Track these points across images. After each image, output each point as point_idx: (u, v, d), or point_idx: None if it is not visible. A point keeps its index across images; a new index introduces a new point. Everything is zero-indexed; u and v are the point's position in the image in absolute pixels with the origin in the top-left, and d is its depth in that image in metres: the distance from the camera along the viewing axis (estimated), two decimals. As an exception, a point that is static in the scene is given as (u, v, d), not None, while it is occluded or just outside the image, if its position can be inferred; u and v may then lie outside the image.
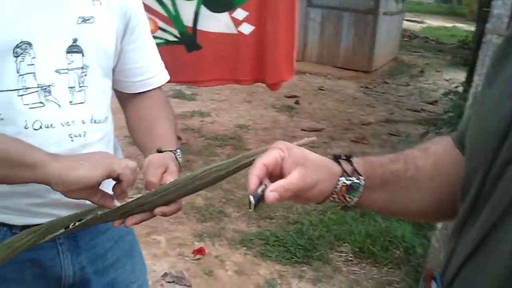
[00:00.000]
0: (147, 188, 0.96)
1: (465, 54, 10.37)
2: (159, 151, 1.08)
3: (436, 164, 0.77)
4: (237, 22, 2.58)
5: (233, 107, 5.75)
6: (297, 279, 2.71)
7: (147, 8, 2.55)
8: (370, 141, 5.03)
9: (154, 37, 2.51)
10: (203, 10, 2.54)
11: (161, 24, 2.52)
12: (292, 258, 2.86)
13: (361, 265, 2.87)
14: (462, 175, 0.69)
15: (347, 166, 0.74)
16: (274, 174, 0.71)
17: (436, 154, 0.78)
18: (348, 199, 0.75)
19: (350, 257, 2.91)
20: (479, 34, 6.76)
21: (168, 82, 2.60)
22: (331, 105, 6.29)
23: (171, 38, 2.55)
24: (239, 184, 3.74)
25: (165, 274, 2.62)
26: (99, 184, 0.90)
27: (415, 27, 15.88)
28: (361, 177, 0.74)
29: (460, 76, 8.73)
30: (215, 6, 2.55)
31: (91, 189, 0.90)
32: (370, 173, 0.75)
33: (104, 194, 0.93)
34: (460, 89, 5.69)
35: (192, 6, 2.52)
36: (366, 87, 7.51)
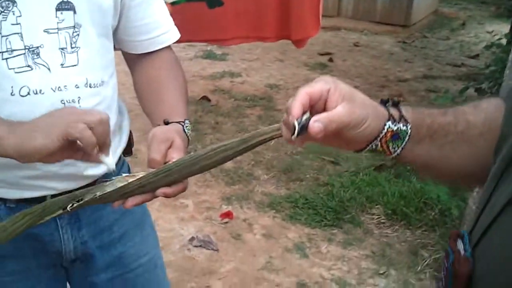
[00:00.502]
0: (150, 165, 0.89)
1: (510, 5, 9.79)
2: (166, 123, 1.00)
3: (487, 121, 0.72)
4: (259, -24, 2.44)
5: (265, 66, 5.61)
6: (327, 242, 2.65)
7: (164, -36, 2.45)
8: (406, 98, 4.82)
9: (174, -6, 2.41)
10: (224, -37, 2.40)
11: (180, -19, 2.40)
12: (322, 221, 2.79)
13: (394, 227, 2.77)
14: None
15: (394, 112, 0.69)
16: (317, 108, 0.67)
17: (487, 111, 0.73)
18: (392, 149, 0.70)
19: (383, 219, 2.81)
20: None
21: (190, 40, 2.49)
22: (366, 62, 6.06)
23: (191, -5, 2.43)
24: (269, 146, 3.65)
25: (192, 238, 2.60)
26: (65, 146, 0.80)
27: (458, -23, 15.07)
28: (408, 124, 0.69)
29: (504, 28, 8.25)
30: (236, -41, 2.41)
31: (65, 150, 0.80)
32: (418, 122, 0.70)
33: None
34: (504, 41, 5.37)
35: (212, -41, 2.39)
36: (404, 42, 7.20)
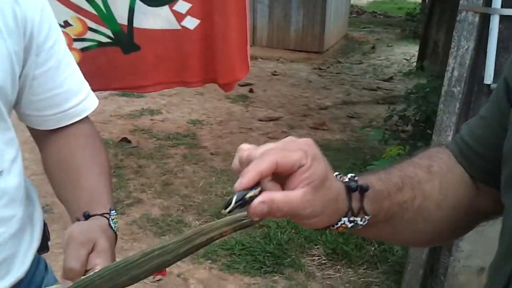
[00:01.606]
0: (66, 276, 0.70)
1: (414, 26, 10.36)
2: (86, 217, 0.81)
3: (442, 187, 0.70)
4: (179, 16, 2.28)
5: (184, 101, 5.44)
6: (269, 291, 2.50)
7: (72, 7, 2.22)
8: (329, 126, 4.85)
9: (84, 40, 2.20)
10: (139, 4, 2.22)
11: (91, 24, 2.19)
12: (262, 267, 2.64)
13: (335, 267, 2.68)
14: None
15: (355, 204, 0.63)
16: (278, 176, 0.56)
17: (440, 174, 0.71)
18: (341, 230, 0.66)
19: (323, 259, 2.71)
20: (430, 6, 6.68)
21: (105, 89, 2.25)
22: (286, 91, 6.07)
23: (103, 39, 2.22)
24: (197, 187, 3.48)
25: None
26: None
27: (362, 1, 15.84)
28: (366, 217, 0.64)
29: (411, 49, 8.69)
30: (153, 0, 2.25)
31: None
32: (377, 209, 0.65)
33: None
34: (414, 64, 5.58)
35: (125, 0, 2.21)
36: (320, 68, 7.34)
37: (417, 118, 3.39)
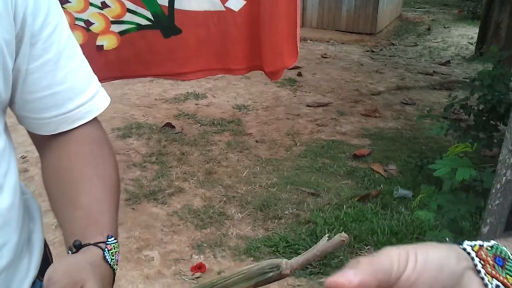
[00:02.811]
0: None
1: (473, 6, 9.78)
2: (76, 247, 0.66)
3: None
4: (223, -3, 2.10)
5: (230, 85, 5.29)
6: (315, 294, 2.33)
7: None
8: (382, 113, 4.58)
9: (122, 22, 2.05)
10: (180, -16, 2.06)
11: (130, 5, 2.04)
12: (307, 268, 2.46)
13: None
14: None
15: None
16: None
17: None
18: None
19: (374, 261, 2.51)
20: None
21: (143, 75, 2.09)
22: (336, 74, 5.81)
23: (143, 22, 2.07)
24: (241, 177, 3.33)
25: (160, 302, 2.24)
26: None
27: (417, -20, 15.15)
28: (492, 240, 0.44)
29: (470, 31, 8.20)
30: (195, -22, 2.07)
31: None
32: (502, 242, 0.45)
33: None
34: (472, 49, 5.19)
35: (166, -20, 2.04)
36: (372, 51, 7.01)
37: (480, 108, 3.10)
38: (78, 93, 0.78)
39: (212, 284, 0.51)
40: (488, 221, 2.19)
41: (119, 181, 0.82)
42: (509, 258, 0.41)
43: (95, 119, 0.81)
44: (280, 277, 0.49)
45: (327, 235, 0.48)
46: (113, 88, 4.66)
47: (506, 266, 0.41)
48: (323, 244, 0.48)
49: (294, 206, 2.99)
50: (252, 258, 2.56)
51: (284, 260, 0.49)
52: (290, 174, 3.38)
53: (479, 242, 0.42)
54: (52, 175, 0.78)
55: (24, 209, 0.78)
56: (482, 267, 0.41)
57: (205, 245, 2.65)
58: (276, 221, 2.86)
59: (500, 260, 0.41)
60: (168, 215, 2.91)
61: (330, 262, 2.48)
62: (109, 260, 0.66)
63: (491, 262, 0.41)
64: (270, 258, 2.31)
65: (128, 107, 4.55)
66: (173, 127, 4.11)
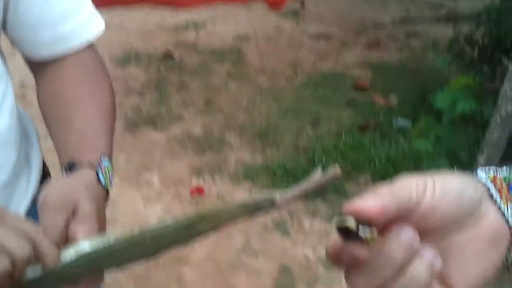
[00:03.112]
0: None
1: None
2: (69, 167, 0.66)
3: None
4: None
5: (231, 15, 5.17)
6: (310, 217, 2.38)
7: None
8: (386, 45, 4.50)
9: None
10: None
11: None
12: (304, 192, 2.50)
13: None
14: None
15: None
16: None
17: None
18: None
19: (370, 187, 2.54)
20: None
21: (142, 2, 2.02)
22: (340, 6, 5.66)
23: None
24: (241, 106, 3.32)
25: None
26: None
27: None
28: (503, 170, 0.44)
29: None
30: None
31: None
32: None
33: None
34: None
35: None
36: (378, -17, 6.79)
37: (485, 42, 3.03)
38: (71, 15, 0.77)
39: (207, 214, 0.51)
40: (485, 152, 2.20)
41: (114, 106, 0.81)
42: None
43: (90, 45, 0.80)
44: (274, 209, 0.50)
45: (320, 167, 0.48)
46: (110, 16, 4.54)
47: None
48: (317, 177, 0.47)
49: (293, 134, 3.00)
50: (250, 183, 2.59)
51: (278, 193, 0.49)
52: (290, 103, 3.37)
53: (492, 172, 0.42)
54: (48, 100, 0.78)
55: (21, 131, 0.79)
56: (498, 191, 0.41)
57: (205, 169, 2.68)
58: (275, 148, 2.88)
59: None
60: (168, 141, 2.93)
61: (326, 187, 2.52)
62: (102, 181, 0.67)
63: (505, 190, 0.41)
64: (268, 185, 2.34)
65: (126, 35, 4.46)
66: (172, 56, 4.05)
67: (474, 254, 0.40)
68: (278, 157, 2.78)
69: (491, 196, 0.41)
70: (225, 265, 2.09)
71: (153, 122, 3.10)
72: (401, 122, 3.05)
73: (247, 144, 2.92)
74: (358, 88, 3.57)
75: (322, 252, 2.18)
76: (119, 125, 3.05)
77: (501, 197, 0.40)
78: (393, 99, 3.41)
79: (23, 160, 0.79)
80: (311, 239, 2.26)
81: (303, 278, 2.02)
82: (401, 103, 3.36)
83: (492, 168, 0.43)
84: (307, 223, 2.35)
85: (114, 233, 0.55)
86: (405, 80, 3.69)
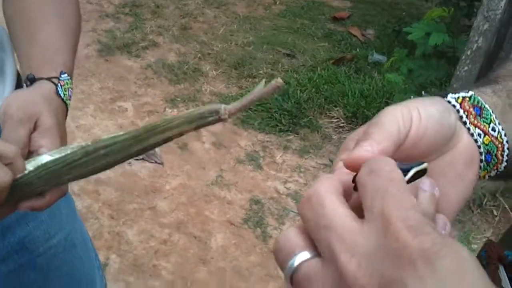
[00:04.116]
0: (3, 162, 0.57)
1: None
2: (30, 80, 0.66)
3: None
4: None
5: None
6: (282, 150, 2.44)
7: None
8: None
9: None
10: None
11: None
12: (277, 125, 2.55)
13: (354, 131, 2.58)
14: None
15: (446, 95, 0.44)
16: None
17: None
18: (490, 131, 0.43)
19: (342, 123, 2.60)
20: None
21: None
22: None
23: None
24: (217, 34, 3.27)
25: (133, 151, 2.32)
26: None
27: None
28: (469, 91, 0.44)
29: None
30: None
31: None
32: (475, 91, 0.45)
33: None
34: None
35: None
36: None
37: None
38: None
39: (155, 126, 0.53)
40: (454, 86, 2.24)
41: (79, 21, 0.80)
42: (484, 106, 0.43)
43: None
44: (219, 121, 0.52)
45: (263, 80, 0.50)
46: None
47: (483, 115, 0.43)
48: (259, 89, 0.49)
49: (269, 66, 2.99)
50: (224, 114, 2.61)
51: (223, 105, 0.51)
52: (267, 33, 3.33)
53: (461, 94, 0.43)
54: (13, 12, 0.76)
55: None
56: (467, 118, 0.42)
57: (179, 99, 2.68)
58: (250, 79, 2.88)
59: (477, 109, 0.43)
60: (142, 69, 2.90)
61: (299, 121, 2.56)
62: (61, 95, 0.67)
63: (473, 112, 0.43)
64: (241, 117, 2.37)
65: (100, -48, 4.26)
66: (148, -23, 3.90)
67: (454, 177, 0.42)
68: (253, 88, 2.79)
69: (461, 118, 0.42)
70: (198, 196, 2.16)
71: (127, 47, 3.04)
72: (377, 56, 3.07)
73: (222, 74, 2.91)
74: (337, 19, 3.54)
75: (292, 186, 2.25)
76: (93, 50, 3.00)
77: (469, 119, 0.42)
78: (370, 32, 3.40)
79: None
80: (282, 173, 2.33)
81: (273, 210, 2.11)
82: (377, 36, 3.36)
83: (462, 91, 0.44)
84: (278, 156, 2.41)
85: (72, 146, 0.57)
86: (383, 13, 3.66)
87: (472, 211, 2.06)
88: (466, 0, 3.02)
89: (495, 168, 0.44)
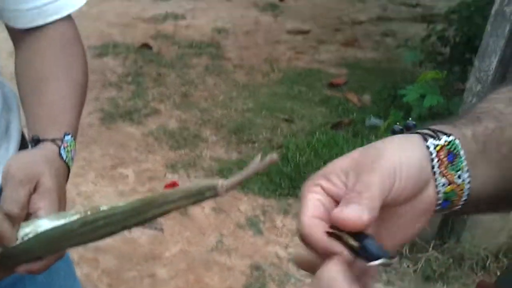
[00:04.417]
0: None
1: None
2: (34, 141, 0.69)
3: None
4: None
5: (211, 7, 5.17)
6: (282, 215, 2.43)
7: None
8: (361, 43, 4.57)
9: None
10: None
11: None
12: (277, 189, 2.56)
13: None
14: None
15: (422, 132, 0.46)
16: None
17: None
18: (456, 176, 0.45)
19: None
20: None
21: None
22: (319, 2, 5.70)
23: None
24: (217, 101, 3.35)
25: (133, 217, 2.32)
26: None
27: None
28: (451, 135, 0.45)
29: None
30: None
31: None
32: (457, 135, 0.46)
33: None
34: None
35: None
36: (357, -21, 6.85)
37: (457, 40, 3.11)
38: None
39: (154, 200, 0.55)
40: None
41: (86, 82, 0.84)
42: (458, 154, 0.44)
43: (70, 18, 0.83)
44: (216, 196, 0.54)
45: (259, 155, 0.52)
46: (89, 6, 4.51)
47: (454, 163, 0.44)
48: (255, 164, 0.52)
49: (267, 131, 3.04)
50: (225, 179, 2.63)
51: (220, 181, 0.53)
52: (266, 100, 3.41)
53: (442, 141, 0.44)
54: (23, 71, 0.80)
55: (2, 100, 0.80)
56: (438, 167, 0.44)
57: (179, 165, 2.71)
58: (250, 145, 2.92)
59: (451, 157, 0.44)
60: (143, 135, 2.95)
61: (299, 185, 2.57)
62: (64, 156, 0.69)
63: (445, 161, 0.44)
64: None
65: (105, 25, 4.44)
66: (151, 47, 4.05)
67: (408, 221, 0.44)
68: (253, 153, 2.82)
69: (432, 167, 0.43)
70: (198, 263, 2.14)
71: (129, 115, 3.11)
72: (374, 120, 3.12)
73: (222, 140, 2.96)
74: (333, 85, 3.63)
75: (293, 251, 2.24)
76: (95, 118, 3.06)
77: (440, 169, 0.44)
78: (367, 98, 3.48)
79: (3, 130, 0.81)
80: (283, 238, 2.32)
81: (274, 277, 2.08)
82: (374, 101, 3.43)
83: (445, 129, 0.46)
84: (279, 221, 2.41)
85: (71, 213, 0.58)
86: (378, 79, 3.76)
87: (476, 274, 2.03)
88: (459, 64, 3.12)
89: (448, 209, 0.46)
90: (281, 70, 3.87)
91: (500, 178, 0.47)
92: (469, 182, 0.45)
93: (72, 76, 0.79)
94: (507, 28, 1.79)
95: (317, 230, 0.40)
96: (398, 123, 0.52)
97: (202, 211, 2.41)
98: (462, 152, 0.44)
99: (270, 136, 2.99)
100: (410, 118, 2.66)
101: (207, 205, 2.45)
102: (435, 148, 0.44)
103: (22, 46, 0.82)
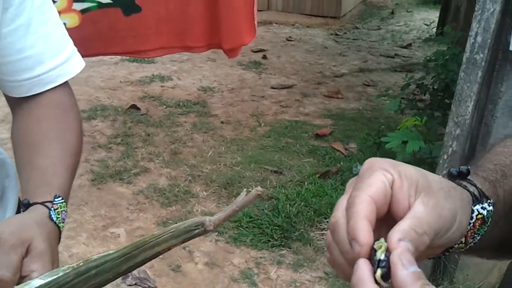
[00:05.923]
0: None
1: (436, -9, 9.98)
2: (25, 205, 0.71)
3: None
4: (182, -25, 2.14)
5: (196, 68, 5.31)
6: (276, 266, 2.42)
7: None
8: (344, 94, 4.70)
9: (84, 0, 2.08)
10: (140, -37, 2.09)
11: (90, -16, 2.07)
12: (269, 241, 2.56)
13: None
14: None
15: (472, 189, 0.50)
16: (378, 214, 0.44)
17: None
18: (473, 237, 0.50)
19: (333, 234, 2.61)
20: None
21: (105, 53, 2.13)
22: (300, 57, 5.90)
23: (103, 0, 2.10)
24: (206, 157, 3.39)
25: (126, 276, 2.30)
26: None
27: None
28: (491, 202, 0.50)
29: (432, 15, 8.39)
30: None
31: None
32: (493, 194, 0.51)
33: None
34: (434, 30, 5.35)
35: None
36: (336, 34, 7.12)
37: (435, 87, 3.23)
38: (49, 57, 0.83)
39: (144, 242, 0.57)
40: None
41: (80, 147, 0.87)
42: (487, 222, 0.49)
43: (66, 84, 0.87)
44: (205, 232, 0.56)
45: (245, 190, 0.55)
46: (77, 71, 4.62)
47: (481, 228, 0.49)
48: (241, 199, 0.54)
49: (257, 183, 3.07)
50: (216, 233, 2.64)
51: (208, 218, 0.56)
52: (254, 153, 3.46)
53: (485, 211, 0.49)
54: (19, 137, 0.83)
55: (0, 166, 0.83)
56: (469, 230, 0.49)
57: (171, 221, 2.71)
58: (240, 198, 2.94)
59: (482, 222, 0.49)
60: (134, 194, 2.96)
61: (291, 235, 2.58)
62: (54, 218, 0.71)
63: (476, 226, 0.49)
64: (234, 235, 2.38)
65: (93, 89, 4.53)
66: (139, 109, 4.13)
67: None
68: (236, 198, 2.84)
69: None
70: (193, 317, 2.11)
71: (119, 175, 3.13)
72: (360, 168, 3.17)
73: (213, 195, 2.98)
74: (319, 136, 3.70)
75: (288, 300, 2.22)
76: (86, 179, 3.07)
77: (468, 232, 0.48)
78: (352, 146, 3.55)
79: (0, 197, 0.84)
80: (277, 288, 2.30)
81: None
82: (360, 149, 3.50)
83: (489, 197, 0.50)
84: (273, 272, 2.40)
85: (63, 268, 0.60)
86: (362, 127, 3.85)
87: (473, 314, 2.02)
88: (440, 110, 3.22)
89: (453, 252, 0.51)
90: (268, 123, 3.95)
91: (508, 227, 0.53)
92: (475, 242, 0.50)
93: (64, 142, 0.82)
94: (479, 75, 1.87)
95: (367, 226, 0.42)
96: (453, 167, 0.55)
97: (195, 267, 2.40)
98: (490, 220, 0.50)
99: (260, 188, 3.01)
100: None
101: (200, 260, 2.44)
102: (477, 216, 0.49)
103: (19, 112, 0.86)
